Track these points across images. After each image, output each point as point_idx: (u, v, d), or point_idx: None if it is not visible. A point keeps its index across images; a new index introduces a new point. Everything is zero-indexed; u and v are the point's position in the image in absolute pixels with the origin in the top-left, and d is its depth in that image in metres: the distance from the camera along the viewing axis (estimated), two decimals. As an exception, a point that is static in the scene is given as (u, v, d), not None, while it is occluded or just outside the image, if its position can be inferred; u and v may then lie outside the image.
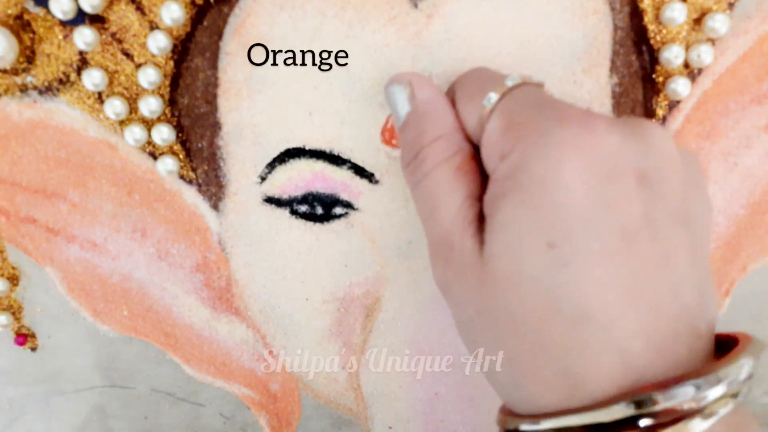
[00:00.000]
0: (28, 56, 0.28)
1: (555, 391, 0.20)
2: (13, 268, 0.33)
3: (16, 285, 0.33)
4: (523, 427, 0.21)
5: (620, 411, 0.19)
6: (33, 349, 0.34)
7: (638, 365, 0.20)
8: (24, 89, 0.29)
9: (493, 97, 0.23)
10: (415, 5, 0.28)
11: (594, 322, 0.20)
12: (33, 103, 0.29)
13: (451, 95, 0.26)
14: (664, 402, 0.18)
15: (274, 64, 0.29)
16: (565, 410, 0.20)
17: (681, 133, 0.31)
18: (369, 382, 0.35)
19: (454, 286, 0.23)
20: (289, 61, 0.29)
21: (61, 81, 0.29)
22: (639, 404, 0.19)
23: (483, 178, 0.24)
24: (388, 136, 0.30)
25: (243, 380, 0.35)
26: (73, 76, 0.28)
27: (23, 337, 0.34)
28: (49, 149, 0.30)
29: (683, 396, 0.19)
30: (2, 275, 0.33)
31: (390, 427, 0.36)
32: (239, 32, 0.28)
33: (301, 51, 0.28)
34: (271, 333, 0.34)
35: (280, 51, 0.28)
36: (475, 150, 0.24)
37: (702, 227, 0.22)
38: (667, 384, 0.19)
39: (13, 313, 0.33)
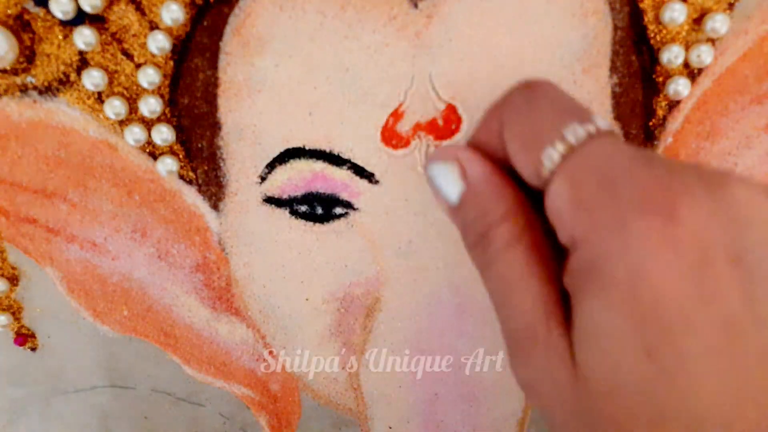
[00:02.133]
0: (28, 56, 0.28)
1: None
2: (13, 268, 0.33)
3: (16, 285, 0.33)
4: None
5: None
6: (33, 349, 0.34)
7: None
8: (24, 89, 0.29)
9: (555, 156, 0.20)
10: (415, 5, 0.28)
11: (709, 428, 0.18)
12: (33, 103, 0.29)
13: (493, 122, 0.23)
14: None
15: (274, 64, 0.29)
16: None
17: (681, 133, 0.31)
18: (369, 382, 0.35)
19: (540, 386, 0.21)
20: (290, 62, 0.29)
21: (61, 81, 0.29)
22: None
23: (556, 249, 0.22)
24: (388, 136, 0.30)
25: (243, 380, 0.35)
26: (73, 76, 0.28)
27: (23, 337, 0.34)
28: (49, 149, 0.30)
29: None
30: (2, 275, 0.33)
31: (390, 427, 0.36)
32: (239, 32, 0.28)
33: (301, 51, 0.28)
34: (271, 333, 0.34)
35: (281, 51, 0.28)
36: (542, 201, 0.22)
37: None
38: None
39: (13, 313, 0.33)
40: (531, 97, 0.22)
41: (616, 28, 0.29)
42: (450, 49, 0.28)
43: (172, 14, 0.27)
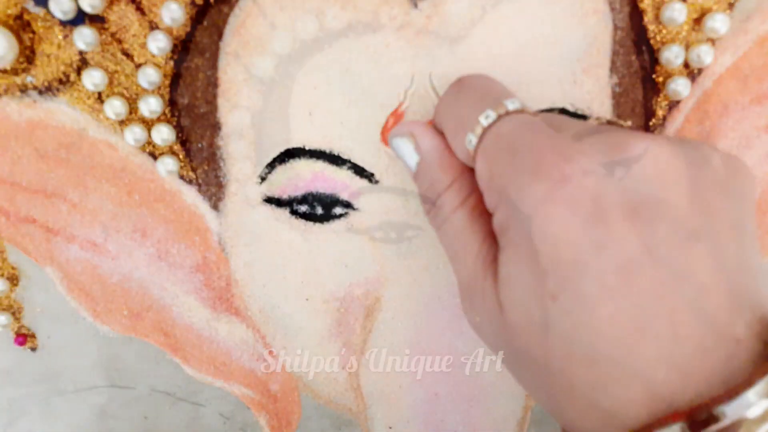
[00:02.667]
0: (28, 56, 0.28)
1: (592, 422, 0.21)
2: (13, 268, 0.33)
3: (16, 285, 0.33)
4: None
5: None
6: (33, 349, 0.34)
7: (666, 391, 0.20)
8: (24, 89, 0.29)
9: (473, 140, 0.24)
10: (415, 5, 0.28)
11: (610, 360, 0.20)
12: (33, 103, 0.29)
13: (438, 123, 0.26)
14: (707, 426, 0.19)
15: (274, 64, 0.29)
16: None
17: (681, 132, 0.31)
18: (369, 382, 0.35)
19: (482, 329, 0.25)
20: (290, 62, 0.29)
21: (61, 81, 0.29)
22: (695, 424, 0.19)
23: None
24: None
25: (243, 380, 0.35)
26: (73, 76, 0.28)
27: (23, 337, 0.34)
28: (49, 149, 0.30)
29: (723, 416, 0.18)
30: (2, 275, 0.33)
31: (390, 427, 0.36)
32: (239, 32, 0.28)
33: (301, 51, 0.28)
34: (271, 333, 0.34)
35: (281, 51, 0.28)
36: None
37: (732, 222, 0.22)
38: (697, 410, 0.19)
39: (13, 313, 0.33)
40: (458, 91, 0.26)
41: (616, 28, 0.29)
42: (450, 49, 0.28)
43: (172, 14, 0.27)
